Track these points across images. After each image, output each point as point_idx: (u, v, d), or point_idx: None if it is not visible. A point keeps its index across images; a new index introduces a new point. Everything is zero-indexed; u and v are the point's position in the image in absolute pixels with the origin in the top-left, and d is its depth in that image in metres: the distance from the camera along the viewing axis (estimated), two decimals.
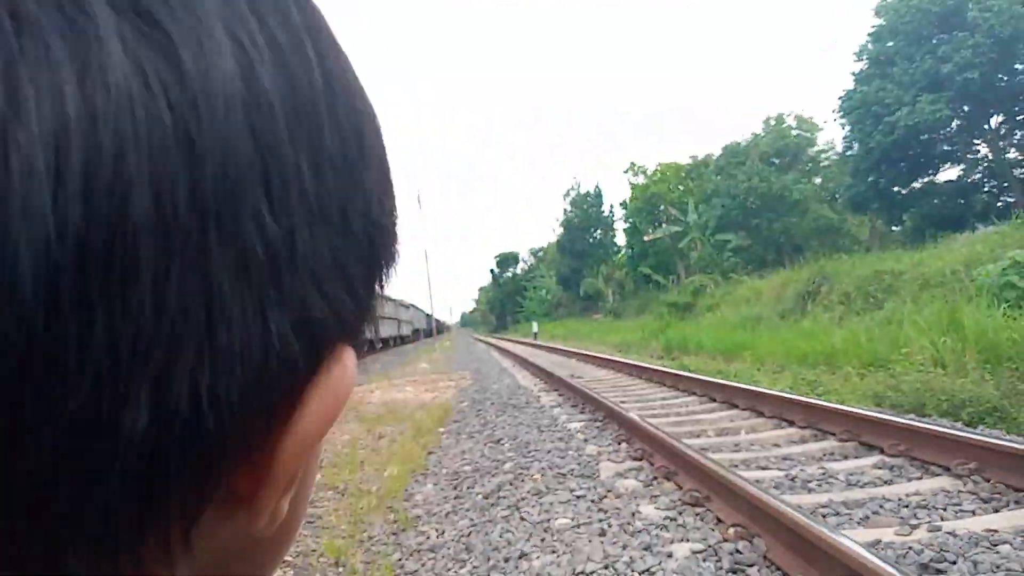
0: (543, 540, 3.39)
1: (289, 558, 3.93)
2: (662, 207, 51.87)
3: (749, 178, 41.08)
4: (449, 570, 3.39)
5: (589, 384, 10.23)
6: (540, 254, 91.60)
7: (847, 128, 34.86)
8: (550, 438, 6.09)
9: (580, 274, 63.00)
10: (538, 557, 3.14)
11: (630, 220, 56.13)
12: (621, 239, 64.09)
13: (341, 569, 3.71)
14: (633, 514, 3.57)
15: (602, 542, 3.18)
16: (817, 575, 2.50)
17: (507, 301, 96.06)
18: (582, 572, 2.84)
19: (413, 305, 62.78)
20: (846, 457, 4.74)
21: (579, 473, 4.68)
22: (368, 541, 4.18)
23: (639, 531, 3.29)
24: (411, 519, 4.53)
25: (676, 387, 9.17)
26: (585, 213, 65.38)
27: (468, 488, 5.08)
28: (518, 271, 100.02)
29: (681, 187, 52.44)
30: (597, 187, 67.34)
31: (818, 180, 43.85)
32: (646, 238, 50.66)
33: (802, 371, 11.58)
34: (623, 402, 7.97)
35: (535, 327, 43.64)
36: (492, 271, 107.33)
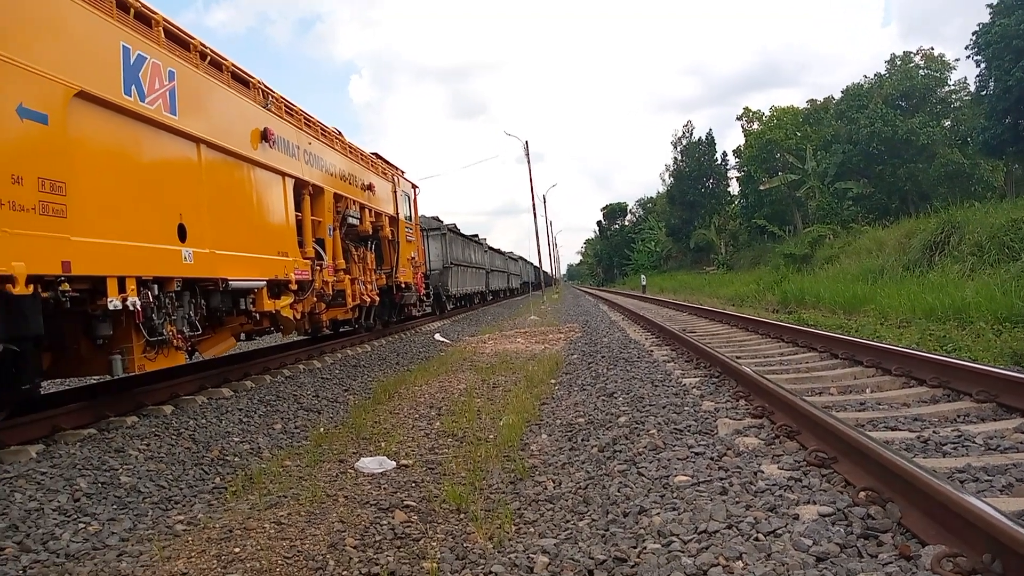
0: (663, 496, 3.38)
1: (412, 503, 4.09)
2: (778, 154, 49.68)
3: (872, 122, 38.73)
4: (567, 522, 3.44)
5: (702, 339, 10.05)
6: (649, 205, 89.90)
7: (982, 66, 32.16)
8: (664, 393, 6.04)
9: (691, 225, 61.48)
10: (658, 514, 3.13)
11: (744, 168, 54.16)
12: (734, 188, 62.00)
13: (462, 515, 3.84)
14: (755, 473, 3.50)
15: (724, 501, 3.13)
16: (961, 546, 2.38)
17: (614, 254, 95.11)
18: (705, 531, 2.81)
19: (522, 258, 63.23)
20: (983, 420, 4.46)
21: (696, 429, 4.62)
22: (487, 489, 4.30)
23: (762, 491, 3.22)
24: (528, 469, 4.61)
25: (795, 342, 8.87)
26: (697, 162, 63.41)
27: (583, 440, 5.12)
28: (626, 223, 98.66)
29: (798, 133, 49.95)
30: (709, 134, 65.11)
31: (947, 123, 40.91)
32: (761, 187, 48.76)
33: (930, 326, 10.97)
34: (739, 357, 7.79)
35: (644, 280, 43.10)
36: (599, 223, 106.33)
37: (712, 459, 3.88)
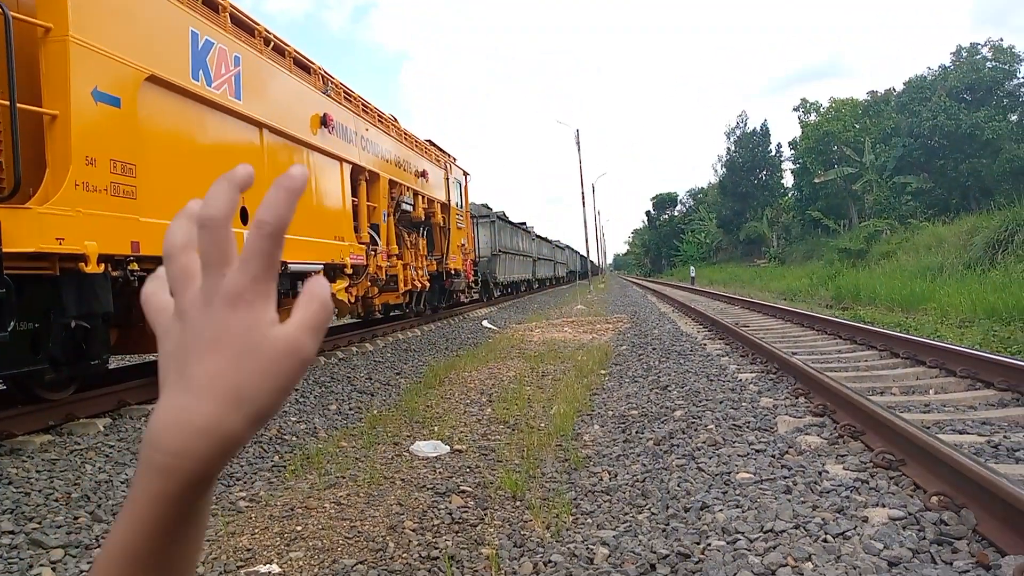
0: (725, 493, 3.34)
1: (468, 488, 4.12)
2: (835, 147, 48.48)
3: (935, 115, 37.56)
4: (626, 515, 3.42)
5: (756, 333, 9.89)
6: (700, 195, 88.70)
7: None
8: (720, 388, 5.96)
9: (742, 217, 60.49)
10: (721, 510, 3.09)
11: (799, 160, 53.01)
12: (788, 180, 60.77)
13: (518, 503, 3.85)
14: (819, 473, 3.43)
15: (789, 500, 3.08)
16: None
17: (663, 244, 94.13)
18: (771, 530, 2.77)
19: (568, 246, 63.02)
20: None
21: (755, 426, 4.55)
22: (541, 477, 4.30)
23: (828, 491, 3.16)
24: (582, 459, 4.60)
25: (852, 339, 8.67)
26: (750, 153, 62.27)
27: (637, 433, 5.08)
28: (675, 213, 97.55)
29: (857, 125, 48.63)
30: (764, 124, 63.92)
31: (1014, 117, 39.38)
32: (816, 180, 47.69)
33: (993, 327, 10.63)
34: (795, 353, 7.65)
35: (692, 271, 42.56)
36: (648, 212, 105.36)
37: (774, 457, 3.82)
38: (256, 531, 3.43)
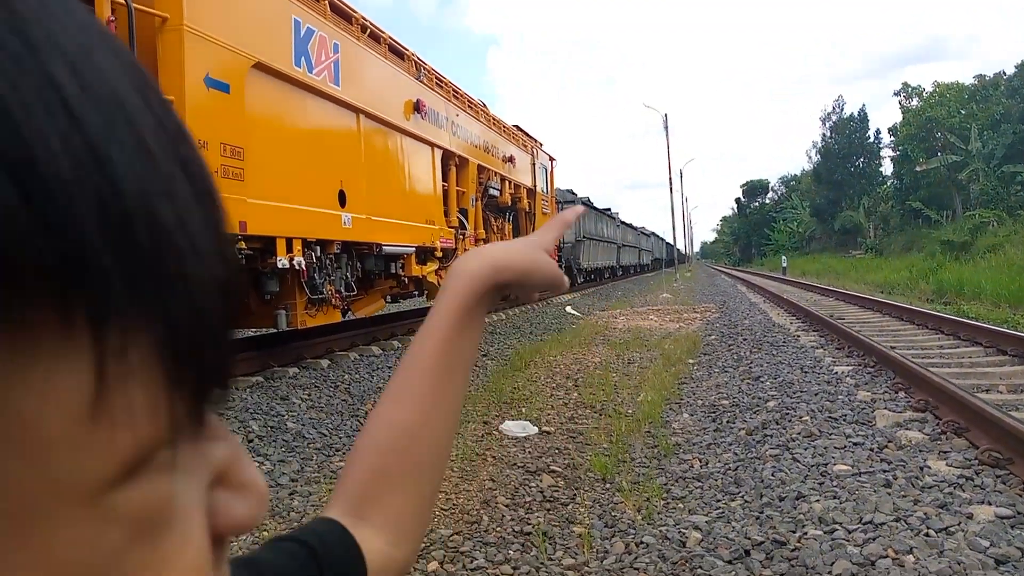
0: (821, 484, 3.29)
1: (557, 468, 4.18)
2: (939, 133, 46.05)
3: None
4: (719, 501, 3.42)
5: (852, 325, 9.59)
6: (792, 183, 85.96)
7: None
8: (815, 380, 5.83)
9: (837, 206, 58.30)
10: (818, 500, 3.05)
11: (900, 148, 50.61)
12: (887, 168, 58.15)
13: (608, 485, 3.89)
14: (921, 468, 3.34)
15: (889, 494, 3.02)
16: None
17: (753, 233, 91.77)
18: (871, 523, 2.72)
19: (654, 233, 62.22)
20: None
21: (852, 419, 4.45)
22: (631, 462, 4.33)
23: (930, 487, 3.08)
24: (671, 446, 4.60)
25: (956, 335, 8.30)
26: (847, 139, 59.86)
27: (728, 422, 5.04)
28: (766, 201, 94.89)
29: (963, 111, 46.02)
30: (862, 110, 61.29)
31: None
32: (918, 168, 45.48)
33: None
34: (894, 347, 7.38)
35: (784, 261, 41.39)
36: (737, 200, 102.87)
37: (872, 450, 3.73)
38: None
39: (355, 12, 8.10)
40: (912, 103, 50.98)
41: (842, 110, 62.36)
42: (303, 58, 6.57)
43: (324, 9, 7.28)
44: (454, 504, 3.49)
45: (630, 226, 44.43)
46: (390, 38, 8.95)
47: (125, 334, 0.18)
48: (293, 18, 6.49)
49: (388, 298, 9.94)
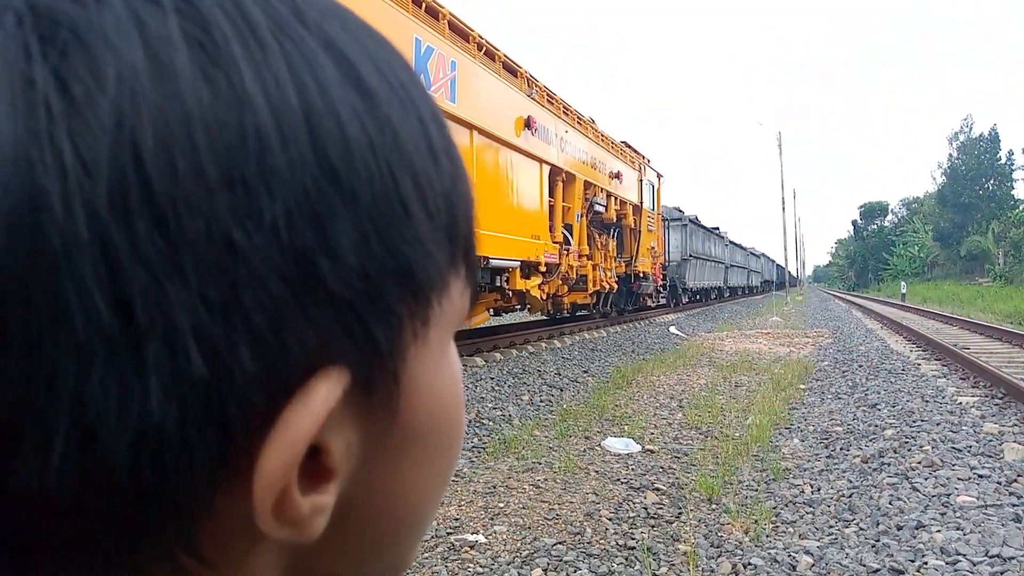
0: (943, 515, 3.14)
1: (661, 486, 4.15)
2: None
3: None
4: (831, 527, 3.31)
5: (978, 355, 9.04)
6: (914, 205, 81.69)
7: None
8: (937, 410, 5.54)
9: (963, 230, 55.01)
10: (939, 531, 2.91)
11: None
12: (1020, 192, 54.51)
13: (714, 506, 3.83)
14: None
15: (1019, 528, 2.85)
16: None
17: (870, 256, 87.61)
18: (998, 556, 2.58)
19: (764, 254, 60.40)
20: None
21: (978, 451, 4.21)
22: (738, 485, 4.24)
23: None
24: (781, 470, 4.48)
25: None
26: (976, 160, 56.51)
27: (842, 449, 4.86)
28: (885, 223, 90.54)
29: None
30: (993, 129, 57.71)
31: None
32: None
33: None
34: None
35: (903, 287, 39.32)
36: (854, 222, 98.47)
37: (1000, 483, 3.53)
38: (463, 503, 3.67)
39: (472, 31, 8.34)
40: None
41: (971, 130, 58.99)
42: (423, 75, 6.78)
43: (443, 28, 7.54)
44: (557, 514, 3.52)
45: (739, 246, 43.32)
46: (504, 56, 9.15)
47: (470, 266, 0.29)
48: (415, 36, 6.74)
49: (491, 311, 10.10)
